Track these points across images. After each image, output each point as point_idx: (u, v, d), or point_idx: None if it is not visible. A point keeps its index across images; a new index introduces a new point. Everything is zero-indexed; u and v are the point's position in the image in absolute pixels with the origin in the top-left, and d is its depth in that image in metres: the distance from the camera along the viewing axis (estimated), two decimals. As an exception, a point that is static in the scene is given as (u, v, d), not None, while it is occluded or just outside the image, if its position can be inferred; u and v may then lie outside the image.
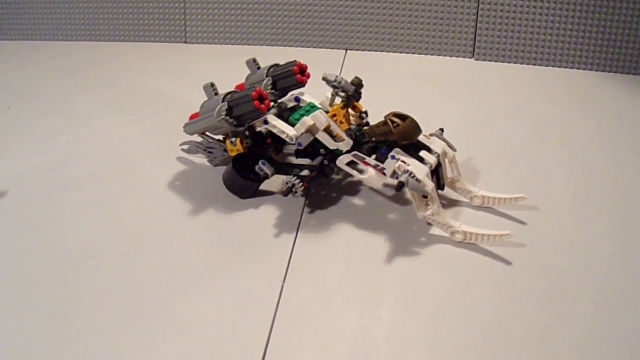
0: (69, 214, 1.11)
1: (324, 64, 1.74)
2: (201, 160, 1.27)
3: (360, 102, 1.17)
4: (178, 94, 1.59)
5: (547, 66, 1.76)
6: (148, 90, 1.64)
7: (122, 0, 1.96)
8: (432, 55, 1.83)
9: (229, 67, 1.67)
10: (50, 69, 1.78)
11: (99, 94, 1.63)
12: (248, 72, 1.26)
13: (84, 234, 1.06)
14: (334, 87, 1.12)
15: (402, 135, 1.03)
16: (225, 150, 1.17)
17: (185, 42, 1.96)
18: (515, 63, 1.77)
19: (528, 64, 1.77)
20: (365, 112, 1.16)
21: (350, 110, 1.15)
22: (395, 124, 1.03)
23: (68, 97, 1.60)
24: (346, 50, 1.87)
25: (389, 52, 1.85)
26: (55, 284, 0.94)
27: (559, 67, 1.75)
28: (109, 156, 1.31)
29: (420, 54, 1.84)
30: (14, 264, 0.99)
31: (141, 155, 1.31)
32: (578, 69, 1.74)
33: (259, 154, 1.12)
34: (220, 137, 1.20)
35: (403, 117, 1.04)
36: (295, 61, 1.17)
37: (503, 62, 1.78)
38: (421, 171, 1.00)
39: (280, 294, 0.92)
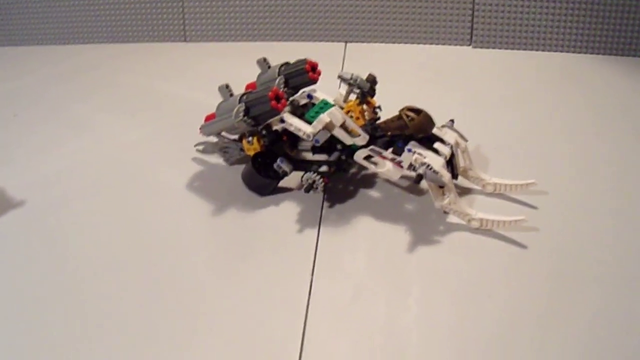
0: (86, 222, 1.12)
1: (326, 58, 1.74)
2: (216, 159, 1.29)
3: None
4: (182, 94, 1.61)
5: (546, 51, 1.78)
6: (151, 91, 1.65)
7: (118, 0, 1.96)
8: (430, 44, 1.85)
9: (230, 64, 1.70)
10: (51, 74, 1.78)
11: (102, 97, 1.63)
12: (251, 67, 1.28)
13: (104, 241, 1.07)
14: (350, 84, 1.15)
15: (417, 129, 1.06)
16: (242, 149, 1.20)
17: (185, 41, 1.97)
18: (514, 49, 1.80)
19: (527, 50, 1.79)
20: (379, 107, 1.19)
21: (364, 106, 1.18)
22: (410, 118, 1.06)
23: (71, 102, 1.60)
24: (346, 42, 1.89)
25: (387, 42, 1.87)
26: (76, 293, 0.96)
27: (559, 51, 1.78)
28: (120, 161, 1.32)
29: (418, 43, 1.86)
30: (33, 274, 1.00)
31: (154, 158, 1.32)
32: (578, 52, 1.77)
33: (276, 152, 1.15)
34: (236, 137, 1.22)
35: (417, 111, 1.07)
36: (305, 59, 1.19)
37: (501, 48, 1.81)
38: (437, 162, 1.03)
39: (310, 288, 0.95)
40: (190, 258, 1.03)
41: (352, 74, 1.14)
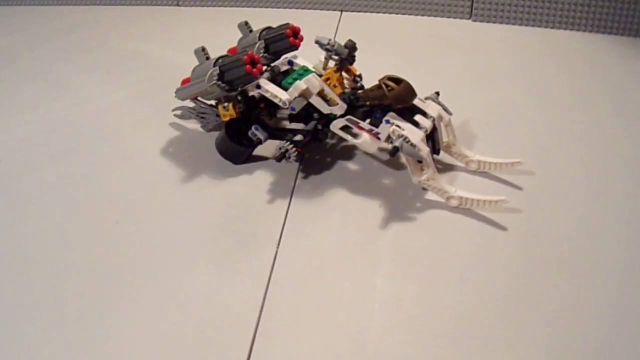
0: (59, 183, 1.10)
1: (319, 26, 1.70)
2: (194, 125, 1.25)
3: (355, 64, 1.15)
4: (169, 58, 1.56)
5: (546, 27, 1.72)
6: (138, 54, 1.60)
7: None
8: (429, 16, 1.79)
9: (222, 30, 1.63)
10: (38, 34, 1.75)
11: (88, 59, 1.59)
12: (241, 35, 1.23)
13: (75, 203, 1.05)
14: (327, 50, 1.10)
15: (396, 99, 1.01)
16: (218, 115, 1.15)
17: (178, 5, 1.92)
18: (514, 24, 1.73)
19: (526, 25, 1.73)
20: (359, 76, 1.14)
21: (344, 74, 1.13)
22: (389, 88, 1.01)
23: (56, 63, 1.57)
24: (341, 11, 1.82)
25: (384, 12, 1.81)
26: (47, 254, 0.94)
27: (558, 28, 1.71)
28: (99, 123, 1.29)
29: (416, 14, 1.79)
30: (2, 235, 0.98)
31: (132, 121, 1.29)
32: (578, 30, 1.70)
33: (252, 119, 1.10)
34: (213, 102, 1.17)
35: (397, 81, 1.02)
36: (287, 23, 1.14)
37: (501, 22, 1.74)
38: (416, 135, 0.98)
39: (274, 259, 0.92)
40: (156, 223, 1.00)
41: (330, 39, 1.08)
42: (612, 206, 1.02)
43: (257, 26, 1.21)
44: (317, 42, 1.09)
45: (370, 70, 1.15)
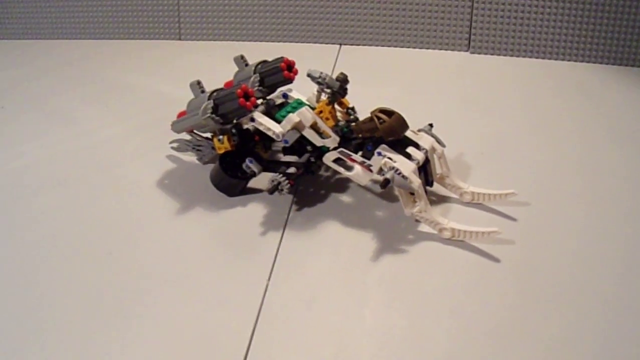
0: (55, 214, 1.11)
1: (318, 60, 1.72)
2: (190, 158, 1.26)
3: (354, 97, 1.15)
4: (167, 91, 1.58)
5: (543, 59, 1.73)
6: (138, 88, 1.63)
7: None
8: (427, 48, 1.81)
9: (223, 64, 1.66)
10: (40, 67, 1.78)
11: (88, 92, 1.62)
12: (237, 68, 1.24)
13: (69, 233, 1.05)
14: (318, 83, 1.11)
15: (387, 131, 1.02)
16: (214, 148, 1.16)
17: (179, 39, 1.95)
18: (512, 56, 1.75)
19: (524, 57, 1.74)
20: (352, 108, 1.15)
21: (338, 107, 1.14)
22: (381, 120, 1.02)
23: (56, 96, 1.59)
24: (340, 44, 1.85)
25: (383, 46, 1.83)
26: (39, 283, 0.94)
27: (556, 59, 1.73)
28: (96, 154, 1.30)
29: (415, 47, 1.81)
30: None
31: (129, 153, 1.30)
32: (575, 61, 1.72)
33: (247, 152, 1.11)
34: (209, 135, 1.19)
35: (389, 113, 1.03)
36: (282, 57, 1.15)
37: (499, 55, 1.76)
38: (407, 167, 0.98)
39: (265, 293, 0.91)
40: (150, 254, 1.00)
41: (321, 72, 1.10)
42: (607, 238, 1.01)
43: (258, 59, 1.22)
44: (309, 75, 1.11)
45: (368, 103, 1.16)
